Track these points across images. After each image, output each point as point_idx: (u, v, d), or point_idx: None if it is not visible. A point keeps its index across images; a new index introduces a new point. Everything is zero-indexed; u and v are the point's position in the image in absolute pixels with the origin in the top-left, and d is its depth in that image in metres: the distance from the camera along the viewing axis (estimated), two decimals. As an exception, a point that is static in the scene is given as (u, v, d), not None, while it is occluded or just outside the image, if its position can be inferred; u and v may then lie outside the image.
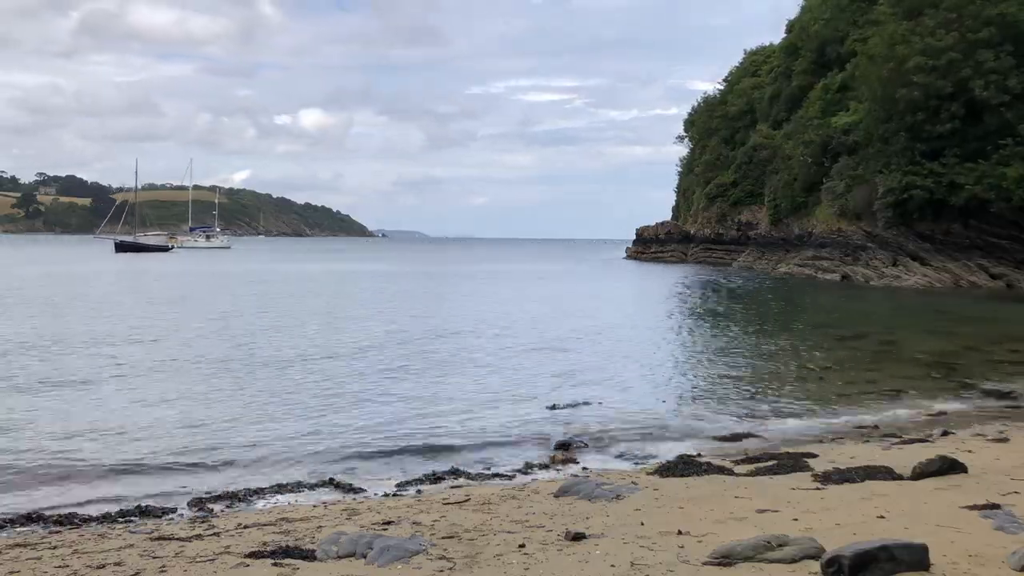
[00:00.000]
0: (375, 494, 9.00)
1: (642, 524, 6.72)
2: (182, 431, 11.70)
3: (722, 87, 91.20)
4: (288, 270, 66.48)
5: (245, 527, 7.36)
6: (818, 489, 8.00)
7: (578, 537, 6.30)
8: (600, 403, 14.07)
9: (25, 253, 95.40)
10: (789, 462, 9.54)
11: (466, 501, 8.13)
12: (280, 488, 9.16)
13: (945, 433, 11.55)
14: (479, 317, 29.26)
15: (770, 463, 9.62)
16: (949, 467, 8.32)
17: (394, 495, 8.94)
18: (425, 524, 7.10)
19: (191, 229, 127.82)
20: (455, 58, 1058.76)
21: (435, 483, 9.45)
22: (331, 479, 9.52)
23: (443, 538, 6.53)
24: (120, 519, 7.99)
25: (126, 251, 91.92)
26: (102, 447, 10.78)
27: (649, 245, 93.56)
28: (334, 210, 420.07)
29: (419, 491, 9.10)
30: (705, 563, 5.48)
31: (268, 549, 6.40)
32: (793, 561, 5.38)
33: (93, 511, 8.24)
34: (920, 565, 5.05)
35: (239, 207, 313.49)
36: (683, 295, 42.50)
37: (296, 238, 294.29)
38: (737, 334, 25.01)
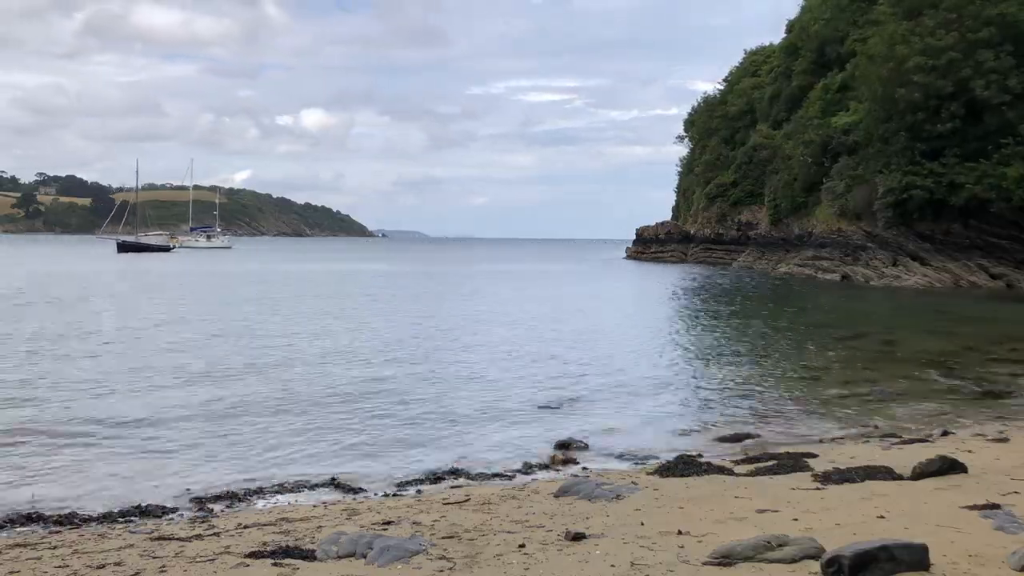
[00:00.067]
0: (375, 494, 9.00)
1: (642, 524, 6.72)
2: (182, 431, 11.70)
3: (722, 87, 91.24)
4: (288, 270, 66.49)
5: (245, 527, 7.36)
6: (818, 489, 8.00)
7: (578, 537, 6.30)
8: (600, 403, 14.08)
9: (29, 253, 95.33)
10: (789, 462, 9.54)
11: (466, 501, 8.13)
12: (280, 488, 9.16)
13: (945, 433, 11.55)
14: (479, 317, 29.27)
15: (770, 463, 9.62)
16: (949, 467, 8.32)
17: (394, 495, 8.94)
18: (425, 524, 7.10)
19: (192, 229, 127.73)
20: (456, 58, 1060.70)
21: (435, 483, 9.45)
22: (331, 479, 9.51)
23: (443, 538, 6.52)
24: (120, 519, 7.99)
25: (128, 251, 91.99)
26: (102, 447, 10.78)
27: (649, 245, 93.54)
28: (334, 210, 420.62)
29: (419, 491, 9.09)
30: (705, 563, 5.48)
31: (268, 549, 6.40)
32: (793, 561, 5.38)
33: (93, 511, 8.24)
34: (920, 565, 5.05)
35: (239, 207, 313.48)
36: (683, 295, 42.50)
37: (296, 238, 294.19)
38: (737, 334, 25.01)
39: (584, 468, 10.08)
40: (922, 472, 8.24)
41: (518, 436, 11.76)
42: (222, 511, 8.32)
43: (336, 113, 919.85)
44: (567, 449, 10.97)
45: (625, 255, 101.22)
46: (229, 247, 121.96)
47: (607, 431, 12.06)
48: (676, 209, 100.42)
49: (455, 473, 9.84)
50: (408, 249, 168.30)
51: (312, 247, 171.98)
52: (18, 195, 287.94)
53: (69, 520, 7.91)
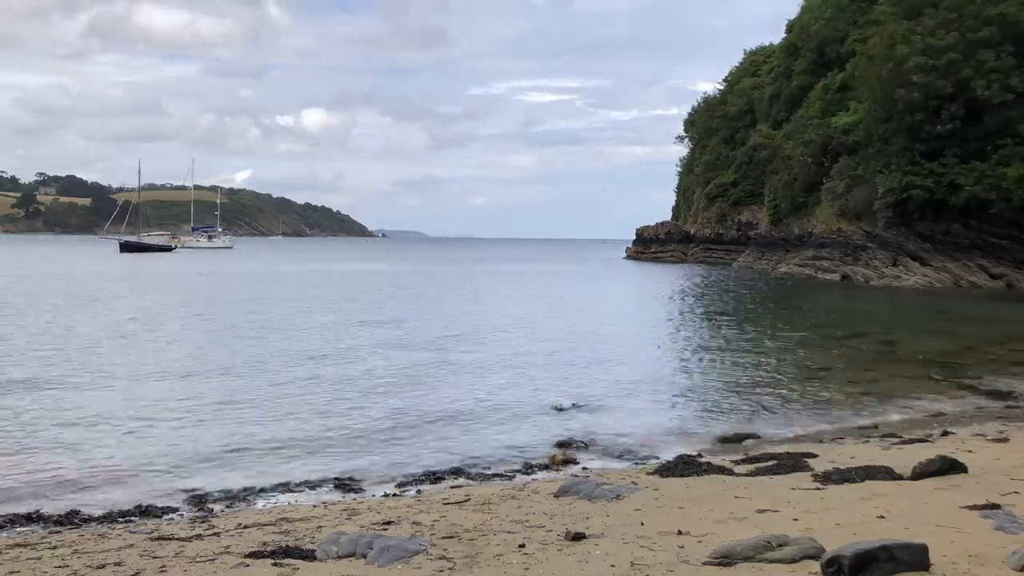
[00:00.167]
0: (375, 494, 9.00)
1: (642, 524, 6.72)
2: (182, 431, 11.71)
3: (722, 87, 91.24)
4: (289, 270, 66.49)
5: (245, 527, 7.36)
6: (818, 489, 8.00)
7: (578, 537, 6.30)
8: (600, 403, 14.08)
9: (32, 254, 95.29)
10: (789, 462, 9.54)
11: (466, 501, 8.13)
12: (280, 488, 9.16)
13: (945, 433, 11.54)
14: (479, 317, 29.26)
15: (770, 463, 9.62)
16: (949, 467, 8.32)
17: (394, 495, 8.94)
18: (425, 524, 7.10)
19: (194, 229, 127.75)
20: (457, 59, 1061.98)
21: (435, 483, 9.45)
22: (331, 479, 9.52)
23: (443, 538, 6.52)
24: (120, 519, 7.99)
25: (130, 251, 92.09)
26: (102, 446, 10.79)
27: (649, 245, 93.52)
28: (334, 210, 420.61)
29: (419, 491, 9.10)
30: (705, 563, 5.48)
31: (268, 549, 6.40)
32: (793, 561, 5.38)
33: (93, 511, 8.25)
34: (920, 565, 5.05)
35: (239, 207, 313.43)
36: (683, 295, 42.50)
37: (296, 238, 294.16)
38: (737, 334, 25.00)
39: (584, 468, 10.08)
40: (922, 472, 8.24)
41: (518, 436, 11.76)
42: (222, 511, 8.33)
43: (337, 113, 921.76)
44: (567, 449, 10.97)
45: (625, 255, 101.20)
46: (230, 247, 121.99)
47: (607, 431, 12.06)
48: (676, 209, 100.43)
49: (455, 473, 9.85)
50: (408, 249, 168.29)
51: (312, 247, 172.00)
52: (18, 195, 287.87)
53: (69, 520, 7.92)
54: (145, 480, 9.45)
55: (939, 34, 44.59)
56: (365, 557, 5.99)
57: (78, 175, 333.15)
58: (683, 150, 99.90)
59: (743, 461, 9.99)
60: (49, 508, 8.29)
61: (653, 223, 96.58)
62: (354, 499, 8.79)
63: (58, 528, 7.68)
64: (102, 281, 46.35)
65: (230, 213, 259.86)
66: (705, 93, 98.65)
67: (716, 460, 10.00)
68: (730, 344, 22.54)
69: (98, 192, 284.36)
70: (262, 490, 9.07)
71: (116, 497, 8.77)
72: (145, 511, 8.25)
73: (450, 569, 5.67)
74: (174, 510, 8.35)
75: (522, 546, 6.15)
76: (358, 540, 6.27)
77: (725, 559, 5.46)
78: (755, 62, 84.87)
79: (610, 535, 6.39)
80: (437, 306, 34.31)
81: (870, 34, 51.35)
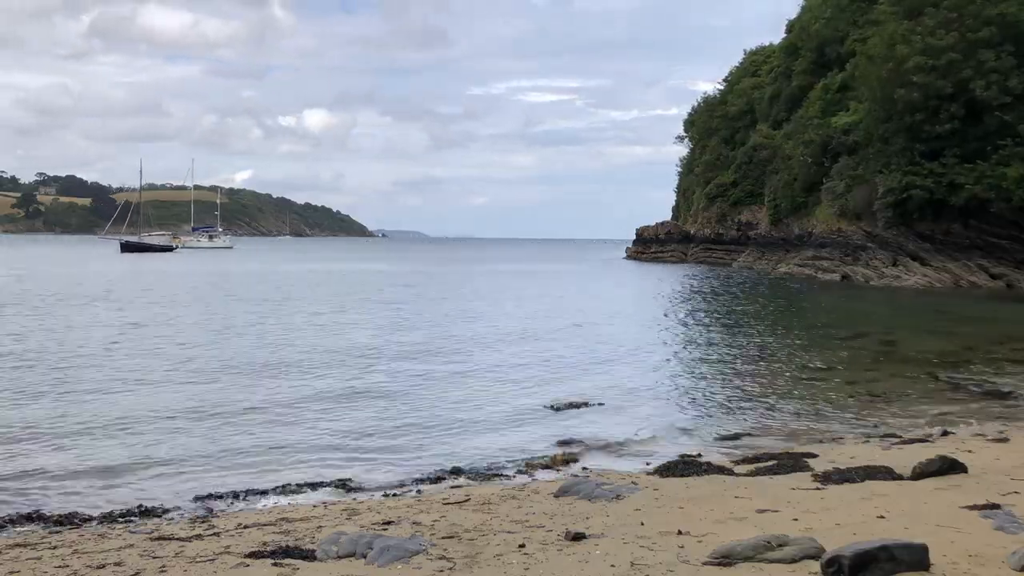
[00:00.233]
0: (375, 494, 9.00)
1: (642, 524, 6.72)
2: (183, 431, 11.71)
3: (722, 87, 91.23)
4: (290, 270, 66.49)
5: (245, 527, 7.36)
6: (818, 489, 8.00)
7: (578, 537, 6.30)
8: (600, 403, 14.07)
9: (34, 254, 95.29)
10: (789, 462, 9.54)
11: (466, 501, 8.13)
12: (280, 488, 9.16)
13: (945, 433, 11.54)
14: (479, 317, 29.27)
15: (770, 463, 9.62)
16: (949, 467, 8.32)
17: (394, 495, 8.94)
18: (425, 524, 7.10)
19: (194, 229, 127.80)
20: (457, 59, 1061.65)
21: (435, 483, 9.45)
22: (331, 479, 9.52)
23: (443, 538, 6.52)
24: (120, 519, 7.99)
25: (131, 251, 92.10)
26: (103, 446, 10.78)
27: (649, 245, 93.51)
28: (334, 210, 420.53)
29: (419, 491, 9.10)
30: (705, 563, 5.48)
31: (268, 549, 6.40)
32: (793, 561, 5.38)
33: (93, 511, 8.25)
34: (920, 565, 5.05)
35: (239, 207, 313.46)
36: (683, 295, 42.50)
37: (296, 238, 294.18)
38: (737, 334, 25.00)
39: (584, 468, 10.08)
40: (922, 472, 8.24)
41: (518, 436, 11.76)
42: (222, 511, 8.33)
43: (338, 113, 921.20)
44: (567, 449, 10.97)
45: (625, 255, 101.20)
46: (230, 247, 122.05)
47: (607, 431, 12.06)
48: (676, 209, 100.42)
49: (455, 473, 9.85)
50: (408, 249, 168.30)
51: (312, 247, 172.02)
52: (18, 195, 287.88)
53: (69, 520, 7.92)
54: (145, 480, 9.45)
55: (939, 34, 44.57)
56: (365, 557, 5.99)
57: (78, 175, 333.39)
58: (683, 150, 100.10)
59: (743, 461, 9.99)
60: (49, 508, 8.29)
61: (653, 223, 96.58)
62: (354, 499, 8.79)
63: (58, 528, 7.68)
64: (103, 281, 46.35)
65: (230, 213, 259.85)
66: (705, 93, 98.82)
67: (716, 460, 10.00)
68: (730, 344, 22.54)
69: (98, 192, 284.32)
70: (262, 490, 9.06)
71: (116, 497, 8.77)
72: (145, 511, 8.25)
73: (450, 569, 5.67)
74: (174, 510, 8.34)
75: (522, 546, 6.15)
76: (358, 540, 6.27)
77: (725, 559, 5.46)
78: (755, 62, 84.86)
79: (610, 535, 6.39)
80: (437, 306, 34.31)
81: (870, 34, 51.33)
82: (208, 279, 51.44)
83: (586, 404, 13.93)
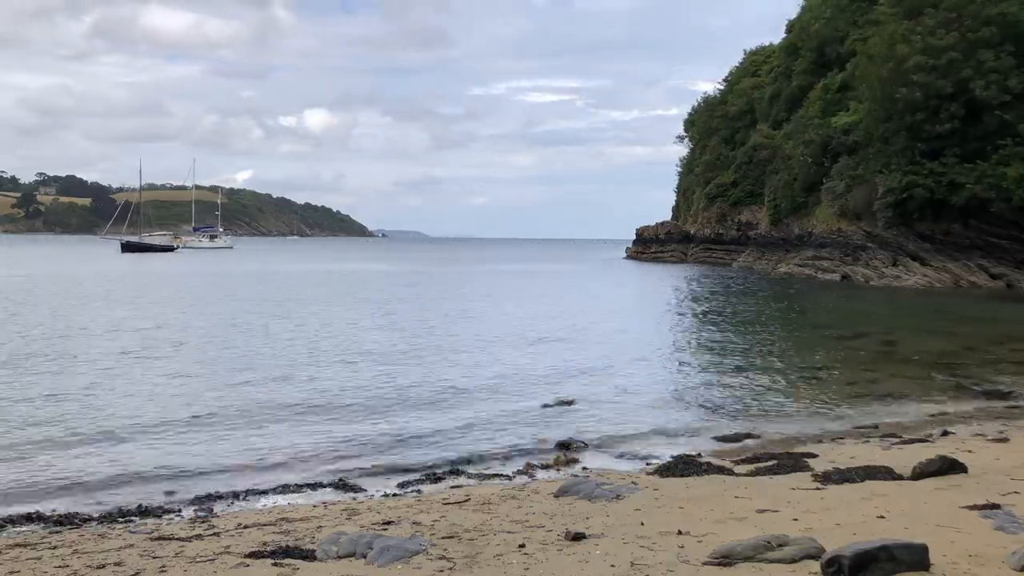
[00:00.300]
0: (375, 494, 9.00)
1: (642, 524, 6.72)
2: (183, 431, 11.71)
3: (722, 87, 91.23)
4: (290, 270, 66.50)
5: (245, 527, 7.36)
6: (818, 489, 8.00)
7: (578, 537, 6.30)
8: (600, 403, 14.08)
9: (36, 254, 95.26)
10: (789, 462, 9.54)
11: (466, 501, 8.13)
12: (280, 488, 9.16)
13: (945, 433, 11.54)
14: (479, 317, 29.26)
15: (770, 463, 9.62)
16: (949, 467, 8.32)
17: (394, 495, 8.94)
18: (425, 524, 7.10)
19: (195, 229, 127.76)
20: (458, 59, 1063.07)
21: (435, 483, 9.45)
22: (331, 479, 9.52)
23: (443, 538, 6.52)
24: (120, 519, 7.99)
25: (132, 251, 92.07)
26: (103, 447, 10.79)
27: (649, 245, 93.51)
28: (334, 210, 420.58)
29: (419, 491, 9.10)
30: (705, 563, 5.48)
31: (268, 549, 6.40)
32: (793, 561, 5.38)
33: (93, 511, 8.25)
34: (920, 565, 5.05)
35: (239, 207, 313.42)
36: (683, 295, 42.49)
37: (296, 238, 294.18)
38: (737, 334, 25.00)
39: (584, 468, 10.08)
40: (922, 472, 8.24)
41: (519, 436, 11.75)
42: (222, 511, 8.33)
43: (339, 113, 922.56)
44: (567, 449, 10.97)
45: (625, 255, 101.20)
46: (231, 247, 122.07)
47: (607, 431, 12.05)
48: (676, 209, 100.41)
49: (455, 473, 9.85)
50: (408, 249, 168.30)
51: (312, 247, 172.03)
52: (18, 195, 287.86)
53: (69, 520, 7.92)
54: (145, 480, 9.45)
55: (939, 34, 44.57)
56: (365, 557, 5.99)
57: (78, 175, 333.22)
58: (683, 150, 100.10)
59: (743, 461, 9.99)
60: (49, 508, 8.29)
61: (653, 223, 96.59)
62: (354, 499, 8.79)
63: (58, 528, 7.68)
64: (104, 281, 46.35)
65: (230, 213, 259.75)
66: (705, 93, 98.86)
67: (716, 460, 10.00)
68: (730, 344, 22.53)
69: (98, 192, 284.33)
70: (262, 490, 9.07)
71: (116, 497, 8.77)
72: (145, 511, 8.25)
73: (450, 569, 5.67)
74: (174, 510, 8.34)
75: (522, 546, 6.15)
76: (358, 540, 6.27)
77: (725, 559, 5.46)
78: (755, 62, 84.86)
79: (610, 535, 6.39)
80: (437, 306, 34.31)
81: (870, 34, 51.33)
82: (210, 279, 51.46)
83: (586, 403, 13.92)
